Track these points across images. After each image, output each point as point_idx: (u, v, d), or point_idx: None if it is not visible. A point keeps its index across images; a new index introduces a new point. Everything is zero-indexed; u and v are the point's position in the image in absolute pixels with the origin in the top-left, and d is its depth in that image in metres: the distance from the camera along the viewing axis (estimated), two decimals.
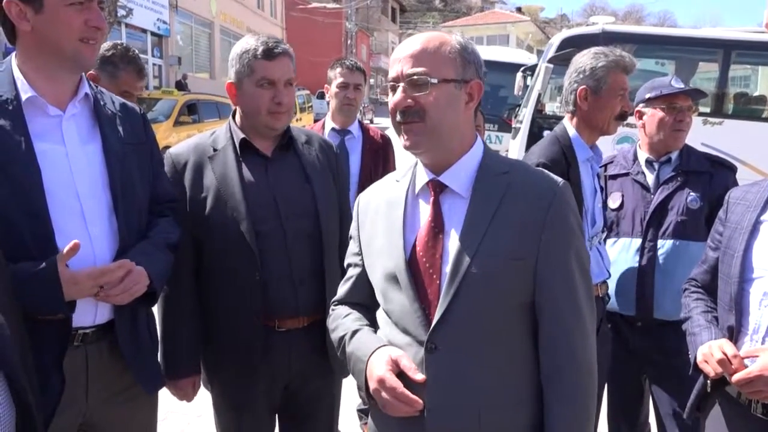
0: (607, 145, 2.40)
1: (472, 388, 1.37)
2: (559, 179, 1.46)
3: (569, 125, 2.38)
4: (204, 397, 2.15)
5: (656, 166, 2.55)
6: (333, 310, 1.67)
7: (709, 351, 1.71)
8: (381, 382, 1.37)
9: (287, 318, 1.97)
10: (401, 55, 1.43)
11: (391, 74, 1.44)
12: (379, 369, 1.38)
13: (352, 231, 1.65)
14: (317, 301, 2.01)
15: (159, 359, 1.99)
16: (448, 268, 1.38)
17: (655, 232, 2.47)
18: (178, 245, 1.89)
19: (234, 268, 1.95)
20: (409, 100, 1.40)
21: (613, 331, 2.52)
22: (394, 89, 1.43)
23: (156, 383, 1.87)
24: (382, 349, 1.43)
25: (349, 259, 1.66)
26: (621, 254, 2.52)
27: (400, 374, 1.38)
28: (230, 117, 2.09)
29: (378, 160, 3.28)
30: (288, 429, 2.18)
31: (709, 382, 1.78)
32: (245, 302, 1.95)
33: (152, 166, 1.87)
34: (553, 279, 1.39)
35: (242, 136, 2.01)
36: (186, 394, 2.05)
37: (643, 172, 2.57)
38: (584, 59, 2.33)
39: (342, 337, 1.55)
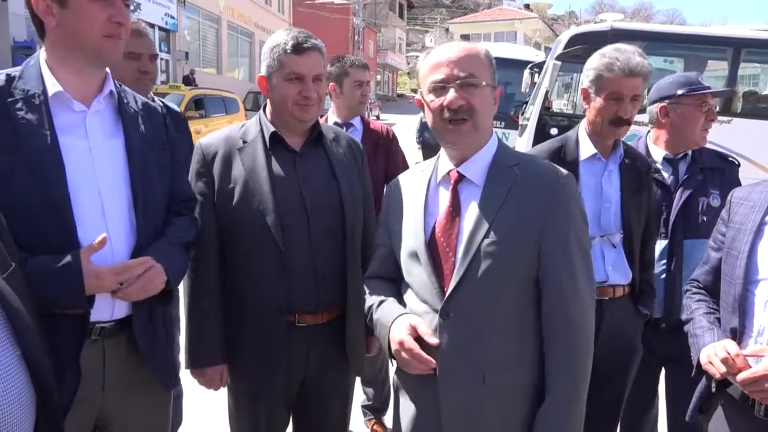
0: None
1: (478, 351, 1.57)
2: (564, 171, 1.66)
3: (583, 124, 2.36)
4: (197, 397, 2.15)
5: (676, 163, 2.51)
6: (366, 283, 1.87)
7: (713, 351, 1.70)
8: (401, 344, 1.58)
9: (307, 313, 1.99)
10: (448, 57, 1.61)
11: (439, 76, 1.61)
12: (399, 333, 1.59)
13: (382, 215, 1.86)
14: (338, 298, 2.02)
15: (184, 351, 2.03)
16: (462, 247, 1.58)
17: (682, 233, 2.43)
18: (194, 244, 1.92)
19: (258, 261, 1.96)
20: (461, 100, 1.58)
21: None
22: (443, 90, 1.60)
23: (172, 378, 1.88)
24: (403, 316, 1.64)
25: (378, 240, 1.87)
26: None
27: (418, 339, 1.57)
28: (261, 110, 2.10)
29: (378, 153, 3.33)
30: (301, 423, 2.19)
31: (713, 383, 1.78)
32: (268, 295, 1.96)
33: (171, 165, 1.89)
34: (554, 258, 1.58)
35: (272, 129, 2.02)
36: (213, 383, 2.06)
37: (659, 170, 2.51)
38: (592, 57, 2.30)
39: (370, 306, 1.76)
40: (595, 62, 2.26)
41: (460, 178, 1.65)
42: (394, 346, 1.60)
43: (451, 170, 1.67)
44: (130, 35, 2.58)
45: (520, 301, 1.60)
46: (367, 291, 1.82)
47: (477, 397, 1.58)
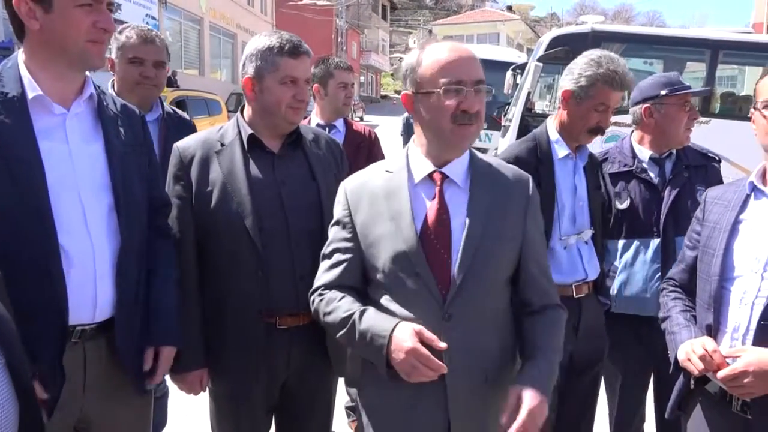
0: (595, 143, 2.38)
1: (479, 350, 1.62)
2: (526, 174, 1.76)
3: (552, 123, 2.37)
4: (181, 400, 2.14)
5: (662, 162, 2.53)
6: (322, 294, 1.74)
7: (690, 348, 1.72)
8: (412, 352, 1.50)
9: (288, 315, 1.98)
10: (463, 58, 1.59)
11: (456, 77, 1.57)
12: (407, 341, 1.52)
13: (341, 218, 1.74)
14: None
15: None
16: (459, 248, 1.60)
17: (673, 230, 2.45)
18: (182, 279, 1.95)
19: (237, 264, 1.95)
20: (477, 105, 1.59)
21: (629, 333, 2.49)
22: (457, 92, 1.57)
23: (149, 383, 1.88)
24: (402, 323, 1.56)
25: (335, 245, 1.74)
26: (638, 256, 2.49)
27: (423, 344, 1.52)
28: (238, 112, 2.09)
29: (360, 154, 3.34)
30: (284, 425, 2.18)
31: (692, 380, 1.80)
32: (248, 298, 1.95)
33: (150, 168, 1.88)
34: (534, 252, 1.72)
35: (250, 131, 2.01)
36: (193, 388, 2.05)
37: (645, 170, 2.54)
38: (579, 61, 2.28)
39: (347, 318, 1.63)
40: (589, 69, 2.22)
41: (444, 179, 1.66)
42: (401, 356, 1.52)
43: (433, 172, 1.66)
44: (136, 40, 2.61)
45: (506, 297, 1.70)
46: (332, 301, 1.69)
47: (481, 396, 1.62)
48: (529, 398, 1.50)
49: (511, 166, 1.79)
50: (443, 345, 1.52)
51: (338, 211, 1.75)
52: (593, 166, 2.44)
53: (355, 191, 1.72)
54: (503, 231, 1.65)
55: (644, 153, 2.58)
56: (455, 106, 1.57)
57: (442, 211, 1.63)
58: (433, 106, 1.60)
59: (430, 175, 1.66)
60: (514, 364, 1.70)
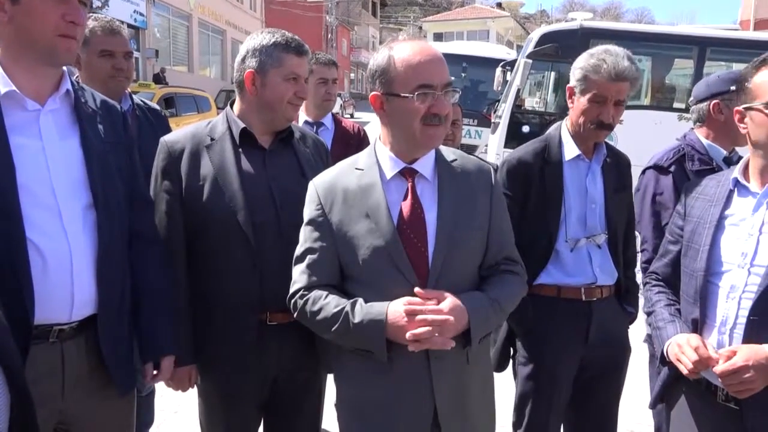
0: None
1: (461, 335, 1.63)
2: (487, 164, 1.84)
3: (565, 123, 2.33)
4: (170, 398, 2.12)
5: (731, 162, 2.43)
6: (304, 296, 1.73)
7: (679, 350, 1.72)
8: (409, 311, 1.57)
9: (278, 311, 1.96)
10: (434, 59, 1.62)
11: (424, 80, 1.60)
12: (400, 309, 1.58)
13: (315, 217, 1.74)
14: None
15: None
16: (434, 240, 1.66)
17: None
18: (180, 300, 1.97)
19: (230, 258, 1.95)
20: (447, 108, 1.64)
21: None
22: (425, 95, 1.60)
23: (130, 383, 1.85)
24: (392, 303, 1.61)
25: (309, 245, 1.74)
26: None
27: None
28: (227, 107, 2.09)
29: (349, 152, 3.32)
30: (273, 423, 2.17)
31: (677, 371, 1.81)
32: (240, 293, 1.95)
33: (130, 165, 1.86)
34: (498, 239, 1.79)
35: (243, 125, 2.01)
36: (182, 384, 2.04)
37: (720, 167, 2.42)
38: (581, 56, 2.24)
39: (339, 312, 1.65)
40: (582, 62, 2.21)
41: (414, 174, 1.71)
42: (401, 323, 1.57)
43: (404, 168, 1.70)
44: (103, 33, 2.56)
45: (476, 283, 1.76)
46: (319, 300, 1.69)
47: (464, 377, 1.71)
48: (451, 302, 1.59)
49: (473, 158, 1.86)
50: (432, 300, 1.59)
51: (310, 210, 1.76)
52: (618, 167, 2.36)
53: (328, 189, 1.74)
54: (472, 221, 1.71)
55: (715, 151, 2.49)
56: (426, 109, 1.61)
57: (416, 205, 1.68)
58: (403, 108, 1.63)
59: (401, 171, 1.70)
60: (489, 339, 1.85)
